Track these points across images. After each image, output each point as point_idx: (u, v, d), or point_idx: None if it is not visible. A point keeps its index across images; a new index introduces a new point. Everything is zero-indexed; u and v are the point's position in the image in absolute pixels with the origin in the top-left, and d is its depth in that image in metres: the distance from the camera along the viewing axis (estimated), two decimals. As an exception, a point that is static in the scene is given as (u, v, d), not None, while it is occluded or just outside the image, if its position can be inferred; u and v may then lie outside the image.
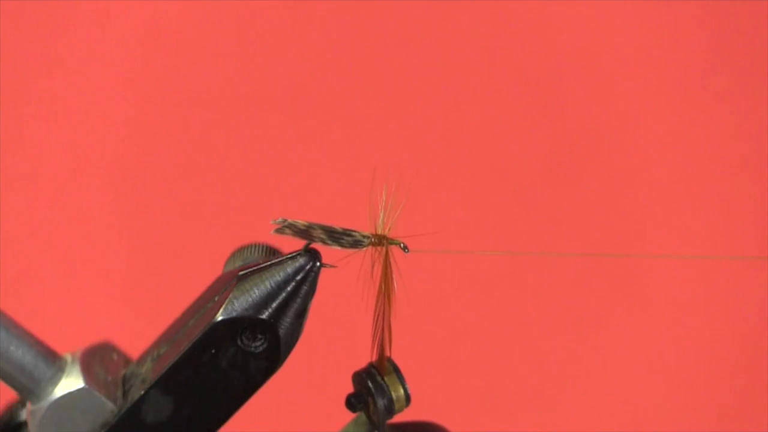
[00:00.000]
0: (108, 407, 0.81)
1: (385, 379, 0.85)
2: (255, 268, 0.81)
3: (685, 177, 1.66)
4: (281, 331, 0.80)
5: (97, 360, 0.84)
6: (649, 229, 1.66)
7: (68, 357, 0.83)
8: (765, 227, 1.64)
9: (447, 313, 1.64)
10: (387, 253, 0.85)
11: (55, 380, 0.81)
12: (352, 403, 0.85)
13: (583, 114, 1.67)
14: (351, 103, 1.68)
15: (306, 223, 0.83)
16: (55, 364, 0.82)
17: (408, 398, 0.85)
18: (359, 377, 0.86)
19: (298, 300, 0.81)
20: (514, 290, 1.65)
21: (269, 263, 0.81)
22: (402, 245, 0.85)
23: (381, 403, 0.84)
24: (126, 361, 0.88)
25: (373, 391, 0.84)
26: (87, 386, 0.81)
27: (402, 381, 0.85)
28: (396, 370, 0.85)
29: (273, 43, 1.69)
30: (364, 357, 0.88)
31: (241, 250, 0.85)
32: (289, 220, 0.83)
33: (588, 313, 1.64)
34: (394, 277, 0.85)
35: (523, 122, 1.66)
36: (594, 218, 1.66)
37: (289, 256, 0.82)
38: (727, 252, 1.65)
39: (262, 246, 0.85)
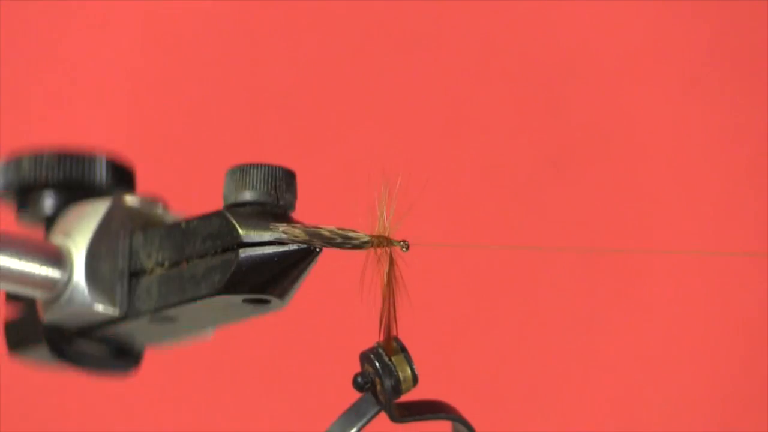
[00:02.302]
0: (109, 311, 0.85)
1: (393, 359, 0.84)
2: (257, 241, 0.82)
3: (687, 174, 1.66)
4: (276, 303, 0.84)
5: (102, 251, 0.86)
6: (650, 226, 1.66)
7: (72, 253, 0.85)
8: (766, 224, 1.64)
9: (448, 309, 1.64)
10: (390, 252, 0.84)
11: (60, 291, 0.84)
12: (358, 383, 0.85)
13: (583, 111, 1.67)
14: (351, 102, 1.68)
15: (304, 232, 0.83)
16: (59, 267, 0.85)
17: (415, 378, 0.84)
18: (366, 357, 0.85)
19: (296, 277, 0.83)
20: (515, 286, 1.65)
21: (271, 240, 0.82)
22: (402, 245, 0.84)
23: (388, 383, 0.83)
24: (132, 223, 0.89)
25: (380, 371, 0.84)
26: (92, 302, 0.84)
27: (409, 361, 0.85)
28: (404, 350, 0.85)
29: (273, 42, 1.69)
30: (370, 341, 0.88)
31: (242, 173, 0.84)
32: (288, 233, 0.83)
33: (589, 309, 1.64)
34: (398, 272, 0.85)
35: (523, 121, 1.66)
36: (595, 215, 1.66)
37: (294, 248, 0.82)
38: (729, 248, 1.65)
39: (267, 169, 0.84)
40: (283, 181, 0.84)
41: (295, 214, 0.86)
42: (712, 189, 1.66)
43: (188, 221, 0.86)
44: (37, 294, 0.85)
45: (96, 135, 1.68)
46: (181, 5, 1.68)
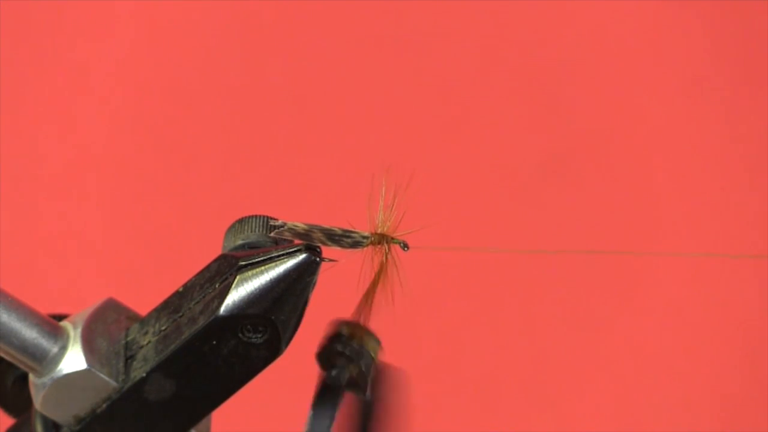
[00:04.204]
0: (110, 385, 0.82)
1: (355, 340, 0.83)
2: (255, 260, 0.82)
3: (687, 175, 1.66)
4: (281, 325, 0.81)
5: (99, 329, 0.85)
6: (651, 227, 1.65)
7: (70, 329, 0.84)
8: (766, 225, 1.63)
9: (447, 310, 1.64)
10: (388, 251, 0.84)
11: (57, 359, 0.82)
12: (334, 377, 0.83)
13: (583, 112, 1.67)
14: (351, 101, 1.68)
15: (305, 226, 0.82)
16: (57, 340, 0.83)
17: (378, 341, 0.84)
18: (330, 352, 0.84)
19: (298, 294, 0.82)
20: (515, 288, 1.64)
21: (270, 256, 0.82)
22: (402, 243, 0.84)
23: (365, 363, 0.82)
24: (128, 319, 0.88)
25: (353, 357, 0.83)
26: (89, 367, 0.82)
27: (366, 331, 0.84)
28: (360, 327, 0.84)
29: (272, 41, 1.69)
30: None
31: (240, 223, 0.85)
32: (289, 224, 0.83)
33: (588, 311, 1.64)
34: (394, 272, 0.84)
35: (523, 120, 1.66)
36: (595, 216, 1.66)
37: (289, 251, 0.82)
38: (729, 250, 1.64)
39: (262, 219, 0.85)
40: (270, 227, 0.85)
41: (294, 216, 0.86)
42: (712, 190, 1.65)
43: (186, 283, 0.85)
44: (35, 360, 0.82)
45: (96, 135, 1.68)
46: (181, 5, 1.69)
